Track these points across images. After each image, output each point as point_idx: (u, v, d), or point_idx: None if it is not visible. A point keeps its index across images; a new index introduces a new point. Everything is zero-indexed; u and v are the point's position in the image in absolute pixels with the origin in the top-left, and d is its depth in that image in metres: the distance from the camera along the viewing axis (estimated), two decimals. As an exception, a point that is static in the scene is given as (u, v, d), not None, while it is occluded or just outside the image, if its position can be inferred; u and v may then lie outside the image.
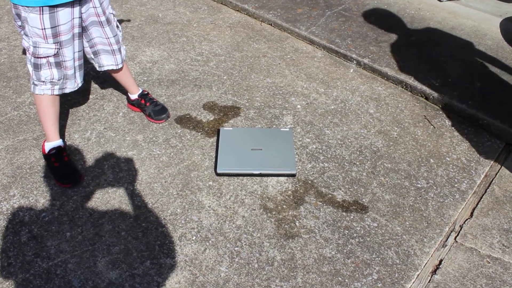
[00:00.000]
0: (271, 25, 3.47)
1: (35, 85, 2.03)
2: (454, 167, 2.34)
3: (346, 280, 1.83)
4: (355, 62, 3.07)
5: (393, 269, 1.88)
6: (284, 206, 2.12)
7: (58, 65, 1.97)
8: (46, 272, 1.82)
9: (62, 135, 2.42)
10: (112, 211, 2.06)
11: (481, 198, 2.20)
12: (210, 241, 1.96)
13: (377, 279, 1.84)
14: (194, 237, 1.97)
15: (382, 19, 3.48)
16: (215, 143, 2.43)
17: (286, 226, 2.04)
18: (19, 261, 1.85)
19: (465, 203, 2.17)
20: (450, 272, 1.88)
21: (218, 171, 2.22)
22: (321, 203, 2.14)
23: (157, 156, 2.34)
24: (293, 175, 2.26)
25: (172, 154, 2.36)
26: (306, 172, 2.29)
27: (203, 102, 2.70)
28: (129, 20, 3.46)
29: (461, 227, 2.07)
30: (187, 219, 2.05)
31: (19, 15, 1.83)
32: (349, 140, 2.48)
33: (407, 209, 2.13)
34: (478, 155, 2.42)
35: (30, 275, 1.81)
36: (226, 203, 2.12)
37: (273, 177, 2.25)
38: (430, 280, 1.85)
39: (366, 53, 3.07)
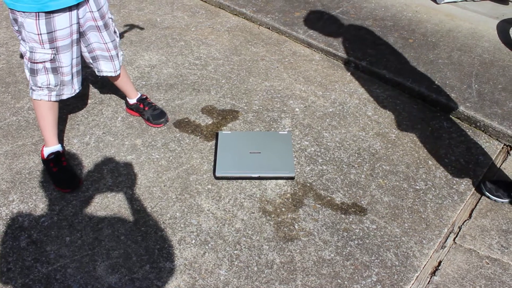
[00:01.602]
0: (269, 28, 3.49)
1: (33, 90, 2.04)
2: (452, 168, 2.35)
3: (346, 282, 1.84)
4: (353, 64, 3.08)
5: (392, 271, 1.88)
6: (283, 209, 2.12)
7: (55, 70, 1.97)
8: (45, 277, 1.82)
9: (61, 140, 2.42)
10: (112, 215, 2.06)
11: (480, 199, 2.20)
12: (210, 245, 1.96)
13: (376, 281, 1.84)
14: (193, 241, 1.98)
15: (379, 22, 3.49)
16: (213, 147, 2.43)
17: (285, 229, 2.04)
18: (18, 266, 1.85)
19: (464, 204, 2.18)
20: (449, 273, 1.88)
21: (217, 174, 2.23)
22: (320, 206, 2.15)
23: (156, 160, 2.35)
24: (292, 178, 2.26)
25: (171, 158, 2.36)
26: (305, 175, 2.30)
27: (202, 106, 2.71)
28: (135, 28, 3.47)
29: (460, 228, 2.07)
30: (186, 222, 2.05)
31: (16, 20, 1.84)
32: (348, 143, 2.49)
33: (405, 211, 2.14)
34: (476, 156, 2.42)
35: (29, 280, 1.81)
36: (225, 207, 2.13)
37: (272, 180, 2.25)
38: (429, 281, 1.86)
39: (364, 56, 3.08)
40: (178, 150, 2.41)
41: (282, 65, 3.09)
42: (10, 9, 1.79)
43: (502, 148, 2.49)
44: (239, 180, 2.25)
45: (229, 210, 2.11)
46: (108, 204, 2.11)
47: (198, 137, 2.49)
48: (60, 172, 2.19)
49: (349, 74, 3.03)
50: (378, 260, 1.92)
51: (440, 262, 1.93)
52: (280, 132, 2.47)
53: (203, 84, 2.88)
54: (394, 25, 3.46)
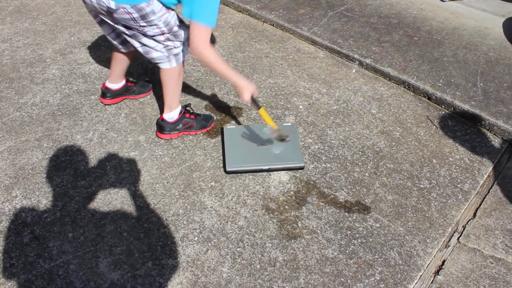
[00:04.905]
0: (273, 25, 3.47)
1: (172, 57, 2.15)
2: (457, 167, 2.34)
3: (349, 281, 1.83)
4: (357, 62, 3.06)
5: (395, 270, 1.87)
6: (286, 207, 2.12)
7: (181, 21, 2.09)
8: (48, 273, 1.82)
9: (64, 135, 2.42)
10: (114, 212, 2.06)
11: (484, 198, 2.19)
12: (212, 242, 1.96)
13: (379, 279, 1.84)
14: (196, 238, 1.97)
15: (384, 19, 3.47)
16: (217, 144, 2.42)
17: (288, 226, 2.03)
18: (21, 262, 1.85)
19: (468, 204, 2.16)
20: (453, 272, 1.87)
21: (228, 169, 2.22)
22: (323, 204, 2.14)
23: (159, 156, 2.34)
24: (302, 168, 2.28)
25: (174, 154, 2.36)
26: (309, 172, 2.29)
27: (205, 103, 2.70)
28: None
29: (464, 227, 2.06)
30: (189, 219, 2.05)
31: (144, 16, 1.88)
32: (352, 141, 2.48)
33: (409, 209, 2.12)
34: (481, 155, 2.41)
35: (32, 276, 1.81)
36: (228, 204, 2.12)
37: (275, 178, 2.25)
38: (433, 280, 1.85)
39: (369, 53, 3.07)
40: (182, 147, 2.40)
41: (286, 62, 3.08)
42: (138, 8, 1.84)
43: (507, 147, 2.47)
44: (242, 178, 2.24)
45: (232, 208, 2.11)
46: (111, 201, 2.11)
47: (201, 134, 2.48)
48: (197, 116, 2.47)
49: (353, 71, 3.02)
50: (382, 259, 1.91)
51: (444, 262, 1.92)
52: (284, 124, 2.48)
53: (206, 81, 2.87)
54: (399, 22, 3.44)
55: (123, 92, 2.62)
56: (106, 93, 2.58)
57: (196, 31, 1.85)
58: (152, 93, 2.73)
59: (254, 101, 2.10)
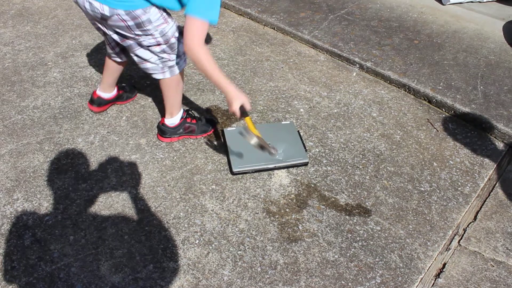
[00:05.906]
0: (274, 29, 3.48)
1: (173, 66, 2.10)
2: (457, 170, 2.34)
3: (349, 284, 1.83)
4: (358, 65, 3.07)
5: (396, 273, 1.87)
6: (287, 210, 2.12)
7: (181, 34, 2.03)
8: (49, 275, 1.82)
9: (65, 139, 2.43)
10: (115, 214, 2.07)
11: (485, 201, 2.19)
12: (213, 245, 1.96)
13: (380, 282, 1.84)
14: (197, 241, 1.97)
15: (384, 22, 3.48)
16: (218, 147, 2.43)
17: (289, 229, 2.03)
18: (22, 265, 1.86)
19: (469, 207, 2.17)
20: (453, 275, 1.87)
21: (234, 170, 2.23)
22: (324, 207, 2.14)
23: (160, 160, 2.35)
24: (306, 164, 2.31)
25: (175, 157, 2.36)
26: (309, 175, 2.29)
27: (206, 106, 2.71)
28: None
29: (464, 230, 2.06)
30: (190, 222, 2.05)
31: (139, 24, 1.85)
32: (352, 144, 2.48)
33: (410, 212, 2.13)
34: (481, 158, 2.41)
35: (33, 278, 1.81)
36: (229, 207, 2.12)
37: (276, 181, 2.25)
38: (433, 283, 1.85)
39: (369, 57, 3.07)
40: (183, 150, 2.41)
41: (287, 66, 3.09)
42: (134, 15, 1.80)
43: (508, 150, 2.48)
44: (243, 181, 2.25)
45: (233, 211, 2.11)
46: (112, 203, 2.11)
47: (202, 137, 2.49)
48: (199, 120, 2.45)
49: (354, 75, 3.03)
50: (382, 262, 1.91)
51: (444, 264, 1.92)
52: (283, 122, 2.52)
53: (207, 84, 2.88)
54: (400, 26, 3.45)
55: (114, 100, 2.62)
56: (95, 101, 2.55)
57: (190, 25, 1.73)
58: (153, 95, 2.74)
59: (243, 112, 1.93)
